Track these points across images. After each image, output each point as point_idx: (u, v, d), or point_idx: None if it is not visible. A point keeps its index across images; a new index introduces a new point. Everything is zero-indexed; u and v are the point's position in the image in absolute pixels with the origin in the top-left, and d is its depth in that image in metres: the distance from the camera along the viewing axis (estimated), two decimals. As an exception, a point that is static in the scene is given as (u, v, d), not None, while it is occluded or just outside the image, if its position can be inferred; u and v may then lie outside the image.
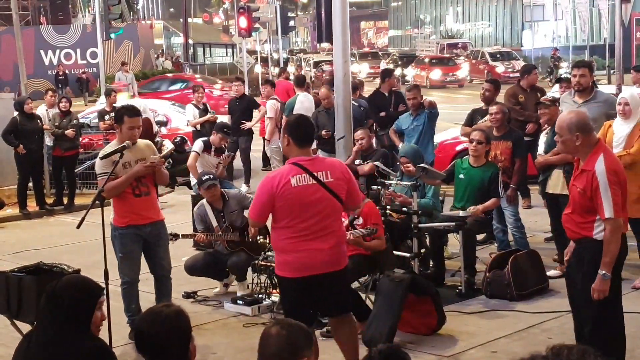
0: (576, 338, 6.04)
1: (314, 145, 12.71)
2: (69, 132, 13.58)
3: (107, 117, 15.23)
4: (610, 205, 5.54)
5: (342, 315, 6.25)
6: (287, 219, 5.78)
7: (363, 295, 7.80)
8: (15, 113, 13.51)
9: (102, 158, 7.18)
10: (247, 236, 8.59)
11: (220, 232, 8.59)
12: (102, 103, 20.54)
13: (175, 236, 8.09)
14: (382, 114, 12.83)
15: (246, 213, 8.77)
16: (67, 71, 37.87)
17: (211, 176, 8.79)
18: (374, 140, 11.86)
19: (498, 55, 43.90)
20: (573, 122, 5.70)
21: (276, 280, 6.98)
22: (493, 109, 9.60)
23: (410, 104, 11.15)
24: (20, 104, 13.47)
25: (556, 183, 8.74)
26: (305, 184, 5.76)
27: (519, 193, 10.01)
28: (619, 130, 8.42)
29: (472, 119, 10.93)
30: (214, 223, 8.65)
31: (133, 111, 7.26)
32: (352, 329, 6.40)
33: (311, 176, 5.76)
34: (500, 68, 41.26)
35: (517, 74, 39.43)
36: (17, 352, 3.99)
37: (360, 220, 7.62)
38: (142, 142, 7.44)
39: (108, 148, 7.31)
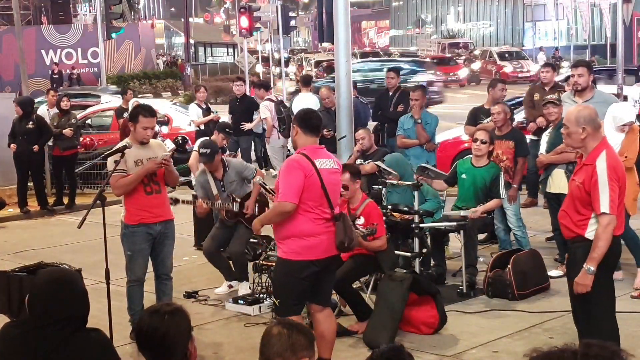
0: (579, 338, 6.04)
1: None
2: (67, 131, 13.57)
3: (125, 114, 15.22)
4: (607, 201, 5.56)
5: (328, 308, 6.39)
6: (311, 202, 5.97)
7: (365, 296, 7.81)
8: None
9: (104, 157, 7.23)
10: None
11: (219, 201, 8.58)
12: (105, 102, 20.57)
13: (176, 201, 8.08)
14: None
15: (251, 184, 8.75)
16: (62, 70, 37.81)
17: (209, 150, 8.65)
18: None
19: (506, 55, 43.55)
20: (582, 115, 5.77)
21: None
22: (495, 108, 9.61)
23: (412, 104, 11.06)
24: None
25: (558, 182, 8.73)
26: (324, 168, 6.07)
27: (526, 190, 9.98)
28: None
29: (475, 117, 10.89)
30: (214, 191, 8.63)
31: (149, 111, 7.29)
32: (335, 323, 6.49)
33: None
34: (508, 68, 41.04)
35: (527, 74, 39.59)
36: (11, 348, 3.93)
37: (362, 220, 7.61)
38: (154, 141, 7.52)
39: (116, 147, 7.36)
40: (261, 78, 33.66)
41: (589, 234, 5.69)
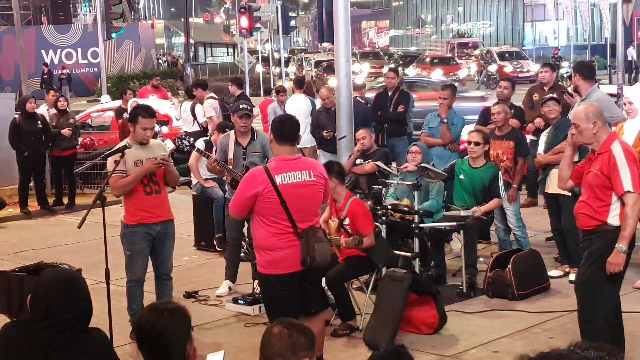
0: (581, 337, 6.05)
1: (312, 143, 12.83)
2: (65, 131, 13.54)
3: (125, 114, 15.22)
4: (629, 180, 5.67)
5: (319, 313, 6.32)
6: (271, 217, 5.85)
7: (365, 296, 7.80)
8: (17, 114, 13.54)
9: (104, 158, 7.23)
10: None
11: (230, 166, 8.49)
12: (105, 102, 20.57)
13: (192, 147, 8.25)
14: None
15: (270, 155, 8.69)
16: (53, 71, 37.81)
17: (249, 107, 8.64)
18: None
19: (506, 55, 43.35)
20: (590, 111, 5.93)
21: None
22: (495, 108, 9.60)
23: (439, 103, 10.87)
24: (23, 102, 13.46)
25: (556, 183, 8.72)
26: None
27: (526, 191, 9.90)
28: (629, 130, 8.40)
29: (487, 117, 10.77)
30: (230, 155, 8.53)
31: (148, 112, 7.30)
32: (322, 321, 6.43)
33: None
34: (508, 68, 40.88)
35: (527, 74, 39.40)
36: (11, 349, 3.92)
37: (347, 221, 7.55)
38: (154, 141, 7.52)
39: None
40: (261, 79, 33.69)
41: (612, 219, 5.80)
